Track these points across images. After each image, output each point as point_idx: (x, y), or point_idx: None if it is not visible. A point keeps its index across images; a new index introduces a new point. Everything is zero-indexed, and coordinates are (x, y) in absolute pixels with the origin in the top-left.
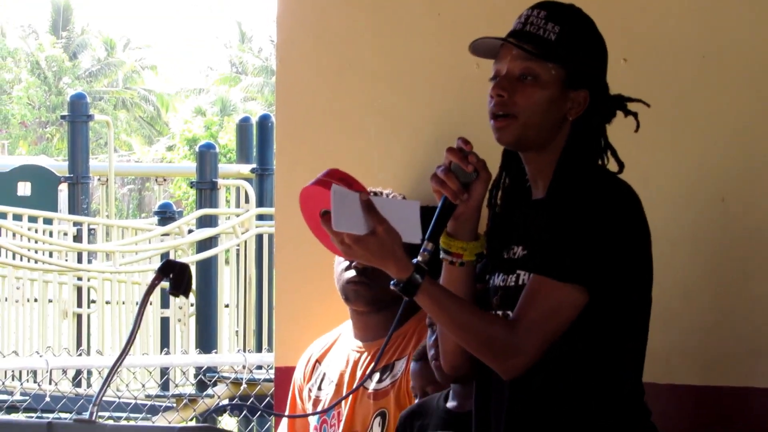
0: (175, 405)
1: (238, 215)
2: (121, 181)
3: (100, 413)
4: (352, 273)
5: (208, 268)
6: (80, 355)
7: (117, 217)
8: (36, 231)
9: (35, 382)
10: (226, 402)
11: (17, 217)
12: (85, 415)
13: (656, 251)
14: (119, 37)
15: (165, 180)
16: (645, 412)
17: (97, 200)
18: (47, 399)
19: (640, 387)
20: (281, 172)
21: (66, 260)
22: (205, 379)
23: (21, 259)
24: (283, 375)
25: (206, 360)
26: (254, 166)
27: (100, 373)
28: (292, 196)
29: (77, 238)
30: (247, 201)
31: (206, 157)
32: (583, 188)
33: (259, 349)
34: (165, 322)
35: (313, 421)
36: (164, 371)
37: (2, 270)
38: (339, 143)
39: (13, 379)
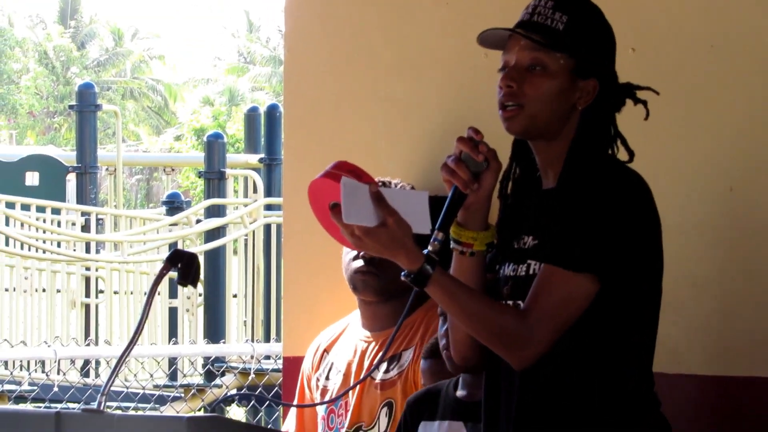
0: (183, 395)
1: (246, 205)
2: (129, 171)
3: (108, 403)
4: (360, 263)
5: (216, 258)
6: (88, 345)
7: (125, 207)
8: (44, 221)
9: (43, 372)
10: (234, 392)
11: (25, 207)
12: (94, 405)
13: (664, 241)
14: (127, 27)
15: (173, 170)
16: (654, 404)
17: (105, 190)
18: (55, 389)
19: (650, 378)
20: (289, 161)
21: (74, 250)
22: (213, 369)
23: (29, 249)
24: (291, 365)
25: (214, 350)
26: (262, 155)
27: (108, 363)
28: (300, 186)
29: (85, 228)
30: (255, 191)
31: (214, 147)
32: (594, 178)
33: (267, 339)
34: (173, 312)
35: (320, 410)
36: (172, 361)
37: (10, 260)
38: (347, 133)
39: (21, 369)
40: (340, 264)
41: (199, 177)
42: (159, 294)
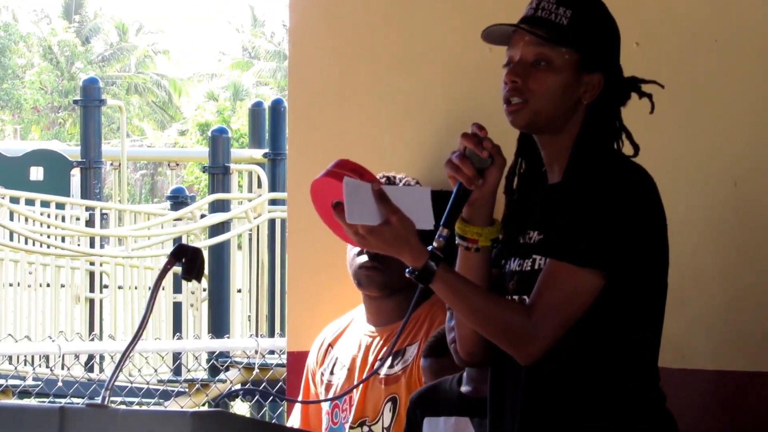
0: (187, 390)
1: (250, 200)
2: (134, 165)
3: (112, 398)
4: (364, 258)
5: (220, 252)
6: (92, 340)
7: (129, 202)
8: (48, 216)
9: (48, 367)
10: (238, 387)
11: (30, 202)
12: (98, 400)
13: (668, 235)
14: (132, 22)
15: (177, 165)
16: (659, 399)
17: (110, 185)
18: (59, 384)
19: (655, 373)
20: (294, 156)
21: (78, 245)
22: (218, 364)
23: (33, 244)
24: (296, 360)
25: (218, 345)
26: (267, 150)
27: (112, 358)
28: (304, 181)
29: (90, 223)
30: (259, 186)
31: (219, 141)
32: (599, 172)
33: (271, 334)
34: (177, 307)
35: (325, 405)
36: (176, 356)
37: (15, 255)
38: (351, 128)
39: (25, 364)
40: (344, 259)
41: (204, 172)
42: (163, 289)
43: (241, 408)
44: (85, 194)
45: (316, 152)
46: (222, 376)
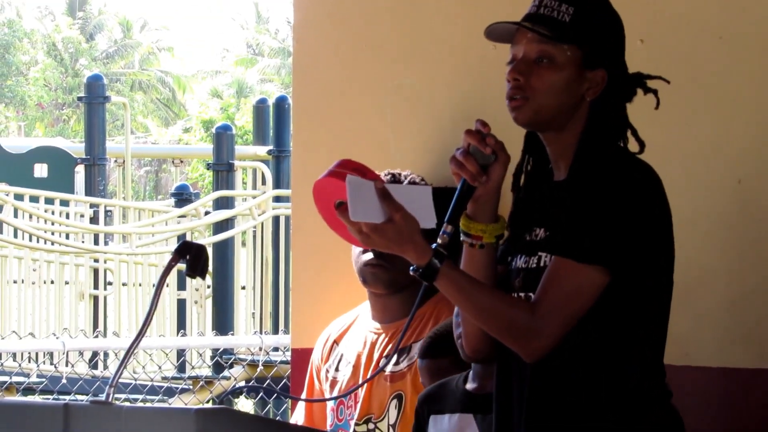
0: (191, 387)
1: (254, 197)
2: (138, 162)
3: (116, 395)
4: (369, 255)
5: (224, 249)
6: (96, 336)
7: (133, 199)
8: (52, 213)
9: (52, 363)
10: (242, 384)
11: (34, 199)
12: (102, 397)
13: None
14: (136, 19)
15: (182, 162)
16: (662, 397)
17: (114, 182)
18: (63, 381)
19: (660, 370)
20: (298, 153)
21: (82, 242)
22: (222, 361)
23: (37, 241)
24: (300, 357)
25: (223, 342)
26: (271, 147)
27: (116, 354)
28: (308, 178)
29: (94, 219)
30: (263, 183)
31: (223, 138)
32: (604, 169)
33: (275, 330)
34: (181, 304)
35: (330, 402)
36: (180, 353)
37: (19, 252)
38: (356, 125)
39: (29, 361)
40: (348, 255)
41: (208, 169)
42: (167, 286)
43: (245, 405)
44: (89, 191)
45: (321, 149)
46: (226, 373)
